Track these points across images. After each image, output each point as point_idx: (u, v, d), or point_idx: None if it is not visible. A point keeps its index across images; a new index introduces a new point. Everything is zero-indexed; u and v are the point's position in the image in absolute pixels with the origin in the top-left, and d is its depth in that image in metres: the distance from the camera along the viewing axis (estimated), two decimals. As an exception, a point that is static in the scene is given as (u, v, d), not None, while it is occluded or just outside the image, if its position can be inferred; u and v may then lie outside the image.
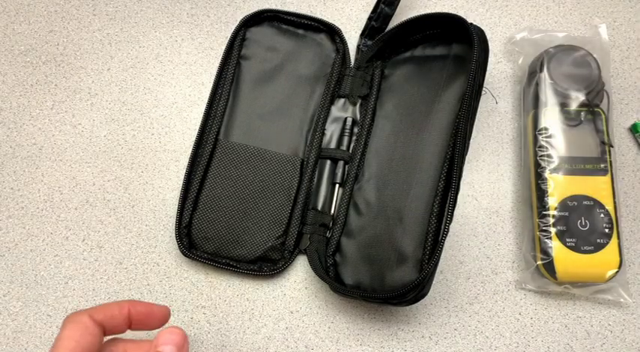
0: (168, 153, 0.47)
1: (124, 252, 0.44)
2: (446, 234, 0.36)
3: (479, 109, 0.48)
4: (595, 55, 0.45)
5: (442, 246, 0.36)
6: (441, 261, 0.43)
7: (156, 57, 0.49)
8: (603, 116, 0.44)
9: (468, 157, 0.46)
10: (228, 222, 0.43)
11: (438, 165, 0.40)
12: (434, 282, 0.43)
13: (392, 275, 0.39)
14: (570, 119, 0.43)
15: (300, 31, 0.49)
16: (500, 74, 0.49)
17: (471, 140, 0.47)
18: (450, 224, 0.36)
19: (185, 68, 0.49)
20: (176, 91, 0.48)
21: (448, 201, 0.37)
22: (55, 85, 0.49)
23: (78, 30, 0.50)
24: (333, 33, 0.48)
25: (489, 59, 0.43)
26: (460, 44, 0.44)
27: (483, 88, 0.42)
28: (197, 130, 0.45)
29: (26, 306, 0.43)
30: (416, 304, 0.42)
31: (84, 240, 0.44)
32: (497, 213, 0.45)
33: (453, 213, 0.37)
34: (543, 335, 0.42)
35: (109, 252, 0.44)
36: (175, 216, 0.43)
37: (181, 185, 0.44)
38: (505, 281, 0.43)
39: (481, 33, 0.41)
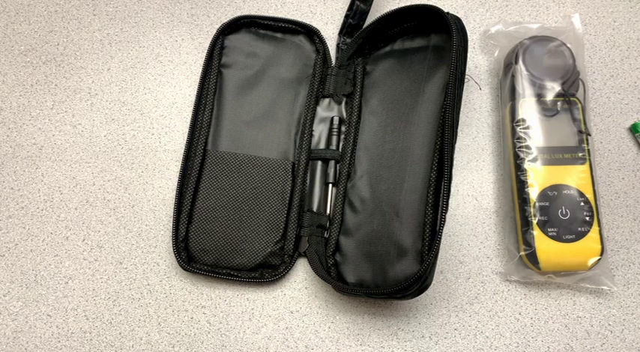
0: (168, 153, 0.47)
1: (124, 252, 0.44)
2: (443, 224, 0.36)
3: (477, 109, 0.48)
4: (569, 45, 0.45)
5: (440, 235, 0.36)
6: (441, 261, 0.43)
7: (156, 57, 0.49)
8: (580, 105, 0.44)
9: (467, 157, 0.46)
10: (225, 232, 0.43)
11: (428, 155, 0.41)
12: (434, 282, 0.43)
13: (394, 270, 0.39)
14: (547, 109, 0.44)
15: (279, 35, 0.49)
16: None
17: (472, 140, 0.47)
18: (446, 213, 0.36)
19: (185, 68, 0.49)
20: (176, 91, 0.48)
21: (442, 191, 0.37)
22: (55, 85, 0.49)
23: (78, 30, 0.50)
24: (311, 34, 0.48)
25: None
26: (438, 34, 0.44)
27: (466, 76, 0.42)
28: (184, 143, 0.45)
29: (26, 306, 0.43)
30: (416, 304, 0.42)
31: (84, 240, 0.44)
32: (497, 213, 0.45)
33: (448, 202, 0.37)
34: (543, 335, 0.42)
35: (109, 252, 0.44)
36: (171, 230, 0.43)
37: (174, 199, 0.43)
38: (505, 281, 0.43)
39: (458, 21, 0.41)
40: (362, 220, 0.43)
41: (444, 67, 0.42)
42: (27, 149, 0.47)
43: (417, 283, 0.36)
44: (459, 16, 0.45)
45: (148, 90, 0.49)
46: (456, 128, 0.39)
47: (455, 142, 0.38)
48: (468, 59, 0.48)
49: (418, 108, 0.43)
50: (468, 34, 0.49)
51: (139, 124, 0.48)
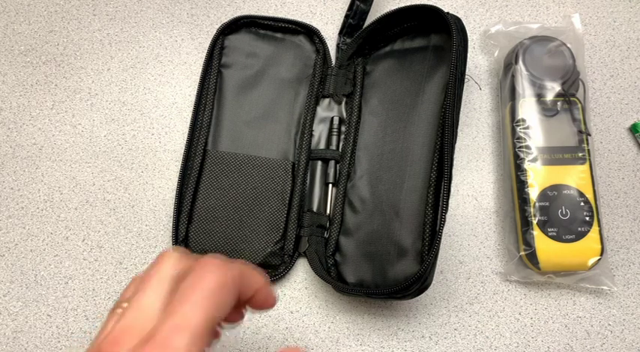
0: (168, 153, 0.47)
1: (124, 252, 0.44)
2: (443, 224, 0.36)
3: (477, 109, 0.48)
4: (569, 45, 0.45)
5: (440, 235, 0.36)
6: (441, 261, 0.43)
7: (156, 57, 0.49)
8: (580, 105, 0.44)
9: (467, 157, 0.46)
10: (225, 232, 0.43)
11: (428, 156, 0.41)
12: (434, 282, 0.43)
13: (393, 270, 0.39)
14: (547, 109, 0.44)
15: (279, 35, 0.49)
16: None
17: (472, 140, 0.47)
18: (446, 213, 0.36)
19: (185, 68, 0.49)
20: (176, 91, 0.48)
21: (442, 191, 0.37)
22: (55, 85, 0.49)
23: (78, 30, 0.50)
24: (311, 34, 0.48)
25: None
26: (438, 34, 0.44)
27: (466, 76, 0.42)
28: (184, 143, 0.45)
29: (26, 306, 0.43)
30: (416, 304, 0.42)
31: (84, 240, 0.44)
32: (497, 213, 0.45)
33: (448, 202, 0.37)
34: (543, 335, 0.42)
35: (109, 252, 0.44)
36: (171, 230, 0.43)
37: (174, 199, 0.43)
38: (505, 281, 0.43)
39: (458, 21, 0.41)
40: (362, 220, 0.43)
41: (444, 67, 0.42)
42: (27, 149, 0.47)
43: (417, 283, 0.36)
44: (458, 16, 0.45)
45: (147, 91, 0.49)
46: (456, 128, 0.39)
47: (455, 142, 0.38)
48: (468, 59, 0.48)
49: (418, 108, 0.43)
50: (468, 34, 0.49)
51: (139, 124, 0.48)
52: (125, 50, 0.50)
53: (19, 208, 0.45)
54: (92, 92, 0.48)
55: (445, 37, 0.43)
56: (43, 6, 0.51)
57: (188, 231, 0.43)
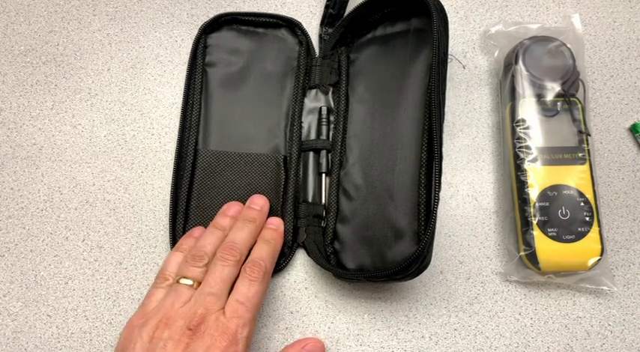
0: (168, 153, 0.47)
1: (124, 252, 0.44)
2: (437, 203, 0.36)
3: (477, 109, 0.48)
4: (569, 45, 0.45)
5: (435, 214, 0.36)
6: (441, 260, 0.43)
7: (156, 57, 0.49)
8: (580, 105, 0.44)
9: (467, 157, 0.46)
10: None
11: (417, 137, 0.41)
12: (434, 282, 0.43)
13: (392, 252, 0.39)
14: (547, 110, 0.44)
15: (260, 30, 0.49)
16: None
17: (472, 140, 0.47)
18: (439, 192, 0.37)
19: (185, 68, 0.49)
20: (176, 91, 0.48)
21: (434, 170, 0.37)
22: (55, 85, 0.49)
23: (78, 30, 0.50)
24: (293, 26, 0.48)
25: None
26: (419, 17, 0.44)
27: (449, 56, 0.42)
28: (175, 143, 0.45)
29: (26, 306, 0.43)
30: (416, 304, 0.42)
31: (84, 240, 0.44)
32: (497, 213, 0.45)
33: (440, 181, 0.37)
34: (543, 335, 0.42)
35: (109, 252, 0.44)
36: (168, 231, 0.43)
37: (169, 201, 0.44)
38: (505, 281, 0.43)
39: (437, 2, 0.41)
40: (357, 206, 0.43)
41: (426, 49, 0.43)
42: (27, 149, 0.47)
43: (415, 262, 0.36)
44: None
45: (147, 91, 0.49)
46: (443, 108, 0.39)
47: (443, 122, 0.38)
48: (468, 59, 0.48)
49: (404, 91, 0.43)
50: (468, 34, 0.50)
51: (138, 124, 0.48)
52: (125, 50, 0.50)
53: (19, 208, 0.45)
54: (92, 92, 0.48)
55: (425, 19, 0.43)
56: (43, 6, 0.51)
57: (185, 231, 0.43)
